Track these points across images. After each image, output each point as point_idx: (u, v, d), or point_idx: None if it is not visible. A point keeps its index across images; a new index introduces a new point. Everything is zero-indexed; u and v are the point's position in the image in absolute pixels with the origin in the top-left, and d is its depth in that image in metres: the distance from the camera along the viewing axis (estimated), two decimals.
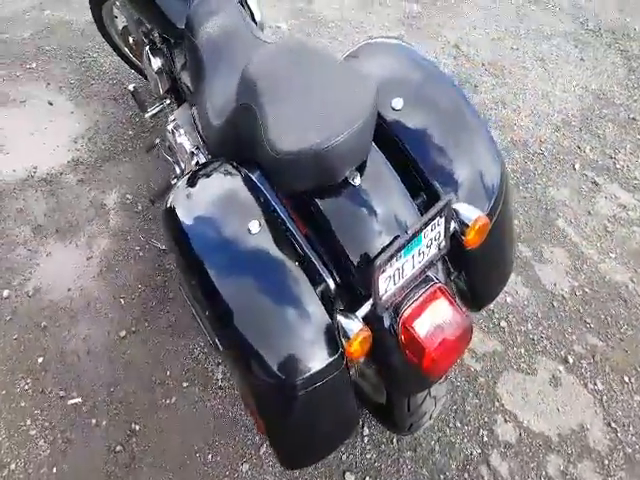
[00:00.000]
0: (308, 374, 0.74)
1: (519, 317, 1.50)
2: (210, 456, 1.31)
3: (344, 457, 1.29)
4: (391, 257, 0.72)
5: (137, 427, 1.34)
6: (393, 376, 0.89)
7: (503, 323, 1.50)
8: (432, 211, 0.75)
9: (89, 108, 2.00)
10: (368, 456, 1.30)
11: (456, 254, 0.85)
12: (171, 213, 0.85)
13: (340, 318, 0.74)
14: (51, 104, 2.02)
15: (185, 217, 0.83)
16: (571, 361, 1.43)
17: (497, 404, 1.36)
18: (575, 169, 1.84)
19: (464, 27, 2.29)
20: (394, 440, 1.32)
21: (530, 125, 1.96)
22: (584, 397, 1.38)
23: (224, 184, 0.86)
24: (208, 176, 0.88)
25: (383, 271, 0.72)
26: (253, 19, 1.38)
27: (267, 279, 0.77)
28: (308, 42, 0.93)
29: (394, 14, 2.35)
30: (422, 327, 0.76)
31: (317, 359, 0.75)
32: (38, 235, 1.69)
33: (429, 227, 0.76)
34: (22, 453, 1.31)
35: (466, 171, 0.84)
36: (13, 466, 1.30)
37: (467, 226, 0.79)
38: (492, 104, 2.02)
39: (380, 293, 0.75)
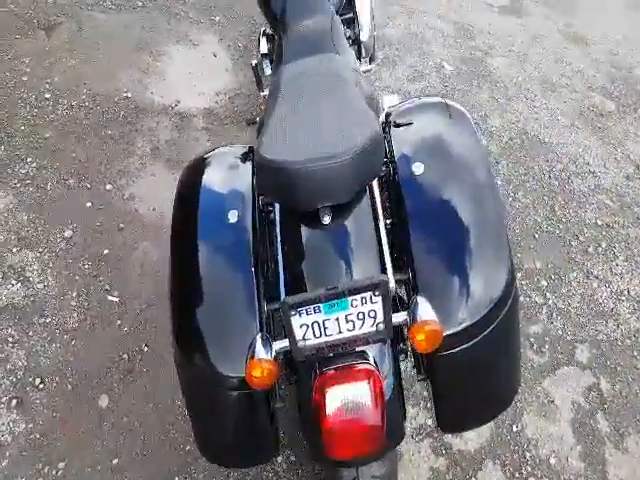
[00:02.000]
0: (235, 377, 0.74)
1: None
2: None
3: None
4: (302, 303, 0.68)
5: (146, 349, 1.53)
6: (306, 430, 0.84)
7: None
8: (360, 282, 0.69)
9: (241, 72, 2.26)
10: None
11: (429, 358, 0.78)
12: (179, 182, 0.94)
13: (257, 339, 0.73)
14: (215, 56, 2.31)
15: (182, 189, 0.91)
16: None
17: None
18: None
19: None
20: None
21: None
22: None
23: (226, 167, 0.89)
24: (221, 156, 0.93)
25: (294, 314, 0.69)
26: (354, 28, 1.45)
27: (222, 271, 0.78)
28: (339, 64, 0.90)
29: (578, 103, 2.23)
30: (333, 397, 0.71)
31: (239, 369, 0.73)
32: (153, 156, 1.96)
33: (358, 298, 0.69)
34: (57, 315, 1.57)
35: (457, 266, 0.77)
36: (49, 320, 1.56)
37: (414, 324, 0.72)
38: None
39: (296, 338, 0.71)
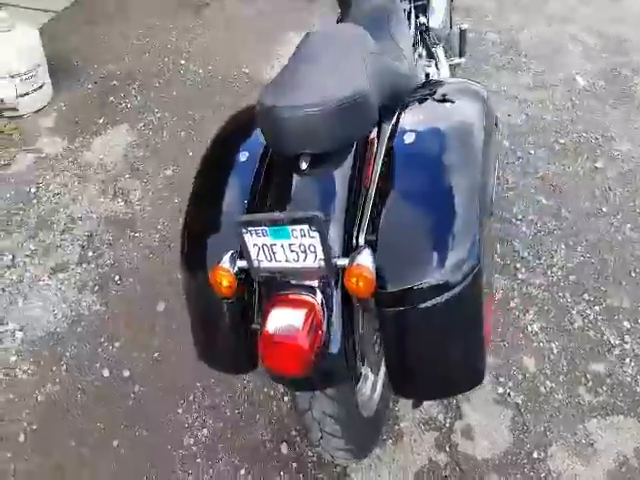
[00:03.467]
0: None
1: None
2: None
3: None
4: (250, 223, 0.75)
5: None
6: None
7: None
8: (296, 213, 0.75)
9: None
10: None
11: (379, 314, 0.81)
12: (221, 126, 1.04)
13: (228, 253, 0.81)
14: None
15: (220, 130, 1.02)
16: None
17: None
18: None
19: None
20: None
21: None
22: None
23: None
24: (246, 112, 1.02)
25: (245, 232, 0.76)
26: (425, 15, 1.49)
27: (221, 202, 0.89)
28: (368, 37, 0.93)
29: None
30: (274, 316, 0.77)
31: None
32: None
33: (297, 229, 0.74)
34: (145, 233, 1.87)
35: (419, 233, 0.79)
36: (137, 234, 1.88)
37: (349, 266, 0.75)
38: None
39: (251, 256, 0.78)
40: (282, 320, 0.76)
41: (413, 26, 1.51)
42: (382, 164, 0.88)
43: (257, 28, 2.77)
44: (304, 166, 0.81)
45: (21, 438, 1.38)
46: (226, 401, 1.43)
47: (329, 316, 0.80)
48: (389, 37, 1.20)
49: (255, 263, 0.79)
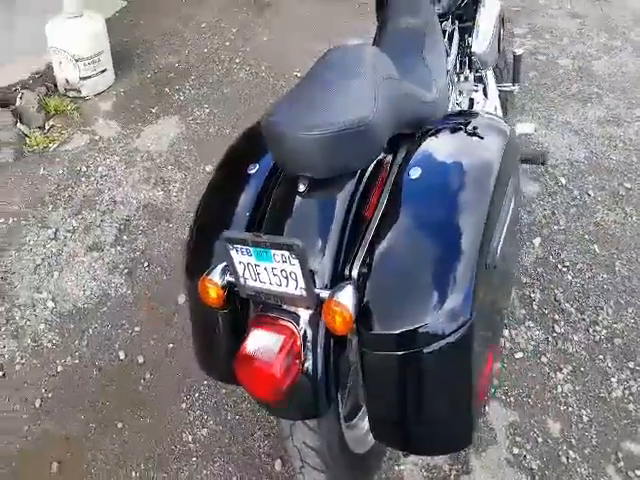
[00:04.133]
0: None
1: None
2: None
3: None
4: (235, 240, 0.75)
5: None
6: None
7: None
8: (278, 238, 0.74)
9: None
10: None
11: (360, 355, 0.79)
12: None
13: (219, 266, 0.82)
14: None
15: (236, 140, 1.04)
16: None
17: None
18: None
19: None
20: None
21: None
22: None
23: None
24: None
25: (232, 249, 0.75)
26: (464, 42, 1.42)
27: (225, 213, 0.89)
28: (377, 58, 0.90)
29: None
30: (254, 336, 0.76)
31: None
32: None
33: (279, 254, 0.73)
34: (177, 224, 1.95)
35: (410, 277, 0.76)
36: (170, 225, 1.95)
37: (328, 301, 0.73)
38: None
39: (238, 272, 0.78)
40: (260, 342, 0.76)
41: (455, 48, 1.46)
42: (389, 195, 0.85)
43: (314, 31, 2.80)
44: (302, 188, 0.81)
45: (37, 403, 1.48)
46: (229, 404, 1.46)
47: (310, 346, 0.79)
48: (420, 60, 1.16)
49: (242, 280, 0.79)
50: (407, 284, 0.76)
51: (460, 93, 1.52)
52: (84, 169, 2.16)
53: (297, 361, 0.77)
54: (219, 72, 2.60)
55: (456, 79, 1.49)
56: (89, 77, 2.42)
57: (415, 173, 0.83)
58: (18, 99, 2.33)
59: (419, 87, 1.03)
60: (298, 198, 0.82)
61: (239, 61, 2.65)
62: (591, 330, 1.54)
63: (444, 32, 1.37)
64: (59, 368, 1.56)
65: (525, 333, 1.54)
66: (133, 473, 1.34)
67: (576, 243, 1.76)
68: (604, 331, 1.53)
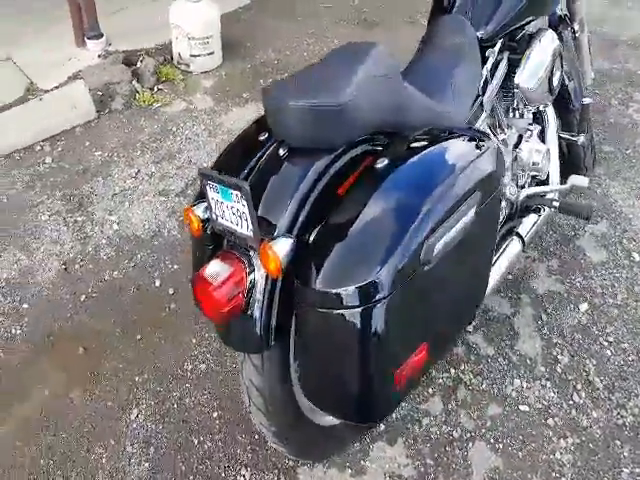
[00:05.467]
0: None
1: None
2: None
3: None
4: (207, 176, 0.84)
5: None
6: None
7: None
8: (230, 178, 0.82)
9: None
10: None
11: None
12: None
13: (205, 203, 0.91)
14: None
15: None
16: None
17: None
18: None
19: None
20: None
21: None
22: None
23: None
24: None
25: (205, 183, 0.85)
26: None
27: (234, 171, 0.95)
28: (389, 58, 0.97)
29: None
30: (211, 264, 0.87)
31: None
32: None
33: (234, 194, 0.81)
34: None
35: (355, 248, 0.84)
36: None
37: (265, 242, 0.82)
38: None
39: (212, 210, 0.88)
40: (214, 268, 0.87)
41: (499, 78, 1.38)
42: (360, 180, 0.93)
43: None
44: (281, 152, 0.92)
45: (82, 298, 1.78)
46: (230, 354, 1.58)
47: (254, 285, 0.87)
48: (444, 74, 1.22)
49: (214, 216, 0.89)
50: (344, 253, 0.83)
51: (509, 127, 1.46)
52: (174, 129, 2.50)
53: (240, 295, 0.86)
54: (274, 70, 2.86)
55: (502, 110, 1.44)
56: (198, 55, 2.79)
57: (388, 166, 0.90)
58: (139, 62, 2.75)
59: (430, 96, 1.10)
60: (278, 160, 0.93)
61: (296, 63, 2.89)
62: (615, 412, 1.41)
63: (487, 58, 1.34)
64: (107, 277, 1.85)
65: (538, 390, 1.46)
66: (136, 378, 1.58)
67: (629, 322, 1.61)
68: (630, 418, 1.40)
